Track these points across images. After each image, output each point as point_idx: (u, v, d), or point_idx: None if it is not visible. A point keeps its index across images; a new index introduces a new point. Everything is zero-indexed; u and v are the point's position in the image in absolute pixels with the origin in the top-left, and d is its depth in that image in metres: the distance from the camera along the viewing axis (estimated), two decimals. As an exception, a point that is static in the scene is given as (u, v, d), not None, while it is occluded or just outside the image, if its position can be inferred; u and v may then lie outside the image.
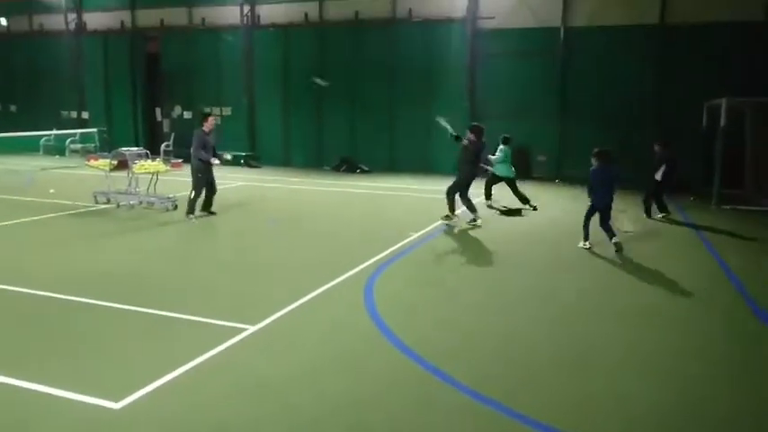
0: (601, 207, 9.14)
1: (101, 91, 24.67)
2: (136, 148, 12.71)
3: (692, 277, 7.78)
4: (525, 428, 4.00)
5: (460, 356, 5.17)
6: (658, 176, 11.88)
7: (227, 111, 22.71)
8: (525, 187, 13.84)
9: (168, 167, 12.15)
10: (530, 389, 4.59)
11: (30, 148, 23.25)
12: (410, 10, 19.89)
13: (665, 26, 17.17)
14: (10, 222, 10.41)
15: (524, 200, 12.98)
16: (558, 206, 13.63)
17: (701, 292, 7.18)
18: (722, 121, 13.90)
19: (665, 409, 4.30)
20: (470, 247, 9.47)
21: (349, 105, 20.93)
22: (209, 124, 11.07)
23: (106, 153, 13.40)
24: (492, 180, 13.45)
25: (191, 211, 10.99)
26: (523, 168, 18.66)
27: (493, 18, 18.89)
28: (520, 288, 7.32)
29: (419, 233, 10.15)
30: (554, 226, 11.14)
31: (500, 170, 13.19)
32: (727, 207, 13.60)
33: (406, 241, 9.48)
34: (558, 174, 18.42)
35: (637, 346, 5.50)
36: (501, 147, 13.23)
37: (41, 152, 23.62)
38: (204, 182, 11.04)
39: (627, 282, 7.72)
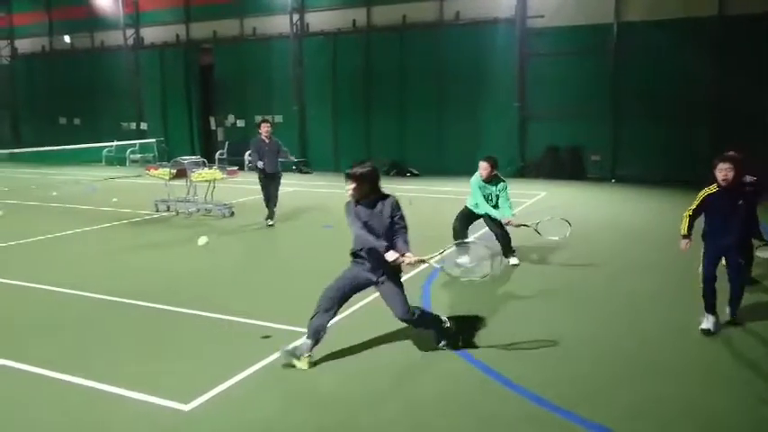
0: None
1: (158, 102, 25.56)
2: (193, 157, 13.12)
3: None
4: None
5: (520, 360, 5.11)
6: None
7: (279, 118, 23.12)
8: (578, 188, 13.48)
9: (224, 175, 12.45)
10: (598, 396, 4.50)
11: (93, 159, 24.35)
12: (457, 12, 19.84)
13: (725, 17, 16.54)
14: (77, 230, 10.89)
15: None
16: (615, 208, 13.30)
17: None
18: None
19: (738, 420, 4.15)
20: (525, 251, 9.33)
21: (397, 109, 21.01)
22: (262, 131, 11.33)
23: (166, 162, 13.86)
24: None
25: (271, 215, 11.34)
26: (577, 169, 18.37)
27: (542, 17, 18.64)
28: (580, 292, 7.18)
29: (473, 236, 10.08)
30: (610, 227, 10.89)
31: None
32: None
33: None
34: (613, 174, 17.99)
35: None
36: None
37: (103, 163, 24.64)
38: (264, 187, 11.29)
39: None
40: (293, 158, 11.56)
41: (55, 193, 16.05)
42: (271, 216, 11.39)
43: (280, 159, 11.51)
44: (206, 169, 12.46)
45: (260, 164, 11.17)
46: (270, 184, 11.33)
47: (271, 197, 11.37)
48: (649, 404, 4.34)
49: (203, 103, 25.00)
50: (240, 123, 24.03)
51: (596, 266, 8.27)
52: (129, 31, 25.66)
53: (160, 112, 25.58)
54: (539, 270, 8.15)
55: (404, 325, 5.99)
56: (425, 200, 14.78)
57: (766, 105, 15.16)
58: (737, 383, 4.67)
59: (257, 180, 11.47)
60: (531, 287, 7.35)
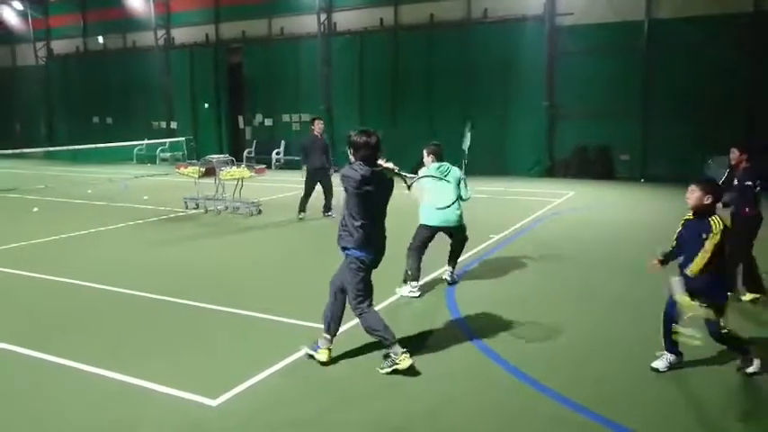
0: None
1: (187, 102, 25.96)
2: (222, 156, 13.29)
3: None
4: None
5: (546, 360, 5.08)
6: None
7: (306, 117, 23.27)
8: (607, 188, 13.19)
9: (252, 173, 12.59)
10: (617, 395, 4.46)
11: (124, 157, 24.84)
12: (485, 10, 19.72)
13: (760, 13, 16.14)
14: (110, 227, 11.12)
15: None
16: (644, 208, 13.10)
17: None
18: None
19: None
20: (553, 250, 9.25)
21: (425, 109, 20.96)
22: (315, 128, 11.69)
23: (195, 161, 14.06)
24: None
25: (300, 209, 11.64)
26: (606, 169, 18.12)
27: (571, 14, 18.45)
28: (609, 293, 7.10)
29: (500, 235, 10.05)
30: (639, 227, 10.72)
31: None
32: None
33: (486, 244, 9.40)
34: (642, 173, 17.70)
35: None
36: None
37: (134, 161, 25.12)
38: (310, 184, 11.58)
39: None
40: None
41: (89, 191, 16.42)
42: (329, 207, 11.81)
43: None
44: (234, 168, 12.60)
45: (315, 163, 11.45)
46: (317, 175, 11.57)
47: (326, 186, 11.66)
48: (674, 407, 4.27)
49: (232, 102, 25.30)
50: (268, 122, 24.27)
51: (621, 267, 8.15)
52: (161, 32, 26.10)
53: (190, 111, 25.96)
54: (565, 269, 8.06)
55: (432, 322, 6.01)
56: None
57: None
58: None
59: (302, 178, 11.81)
60: (559, 285, 7.29)
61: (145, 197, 14.89)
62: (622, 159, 18.18)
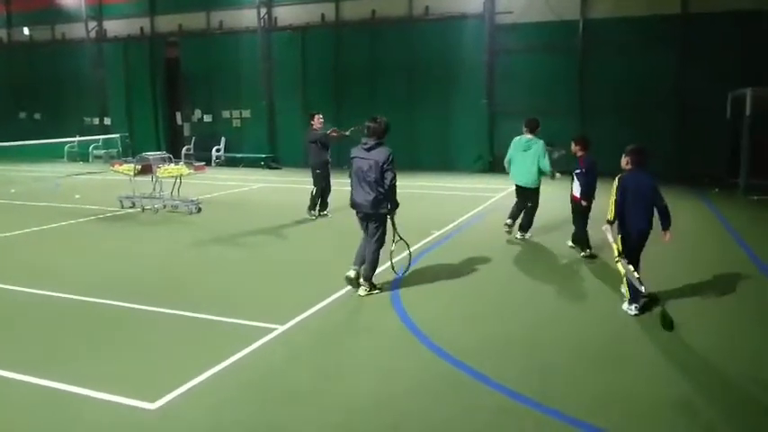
0: (635, 236, 6.03)
1: (122, 97, 25.02)
2: (159, 153, 12.87)
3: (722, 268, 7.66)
4: (559, 423, 3.96)
5: (488, 353, 5.14)
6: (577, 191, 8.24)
7: (247, 113, 22.88)
8: (545, 184, 13.38)
9: (191, 171, 12.24)
10: (559, 384, 4.55)
11: (55, 155, 23.68)
12: (426, 7, 19.85)
13: (688, 15, 16.92)
14: (38, 228, 10.58)
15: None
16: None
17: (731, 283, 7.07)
18: (747, 111, 13.68)
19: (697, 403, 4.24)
20: (492, 245, 9.38)
21: (367, 105, 20.89)
22: (316, 123, 11.33)
23: (131, 158, 13.56)
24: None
25: (311, 207, 11.46)
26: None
27: (510, 12, 18.79)
28: (543, 285, 7.25)
29: (441, 231, 10.13)
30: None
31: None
32: (755, 197, 13.38)
33: (428, 239, 9.46)
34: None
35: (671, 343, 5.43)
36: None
37: (66, 159, 24.02)
38: (322, 179, 11.34)
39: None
40: (346, 133, 11.39)
41: (13, 191, 15.59)
42: (325, 205, 11.60)
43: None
44: (172, 165, 12.22)
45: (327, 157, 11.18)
46: (328, 169, 11.37)
47: (328, 188, 11.48)
48: (620, 395, 4.40)
49: (169, 97, 24.54)
50: (207, 118, 23.68)
51: (561, 256, 8.36)
52: (92, 24, 25.02)
53: (124, 106, 25.03)
54: (505, 262, 8.20)
55: (376, 317, 5.98)
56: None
57: (725, 101, 15.54)
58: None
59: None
60: (502, 278, 7.42)
61: (77, 196, 14.25)
62: (558, 156, 18.61)
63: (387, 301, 6.53)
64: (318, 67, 21.46)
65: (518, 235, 9.41)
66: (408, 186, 16.17)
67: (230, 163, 22.45)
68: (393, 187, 6.56)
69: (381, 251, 6.77)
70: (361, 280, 6.66)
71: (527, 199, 9.30)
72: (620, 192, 5.98)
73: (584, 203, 8.15)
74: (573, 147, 8.31)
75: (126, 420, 4.02)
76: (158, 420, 4.03)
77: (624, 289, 6.14)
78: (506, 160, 9.53)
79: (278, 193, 15.44)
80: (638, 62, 17.33)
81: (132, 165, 12.33)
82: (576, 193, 8.22)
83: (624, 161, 6.21)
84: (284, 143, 22.46)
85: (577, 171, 8.18)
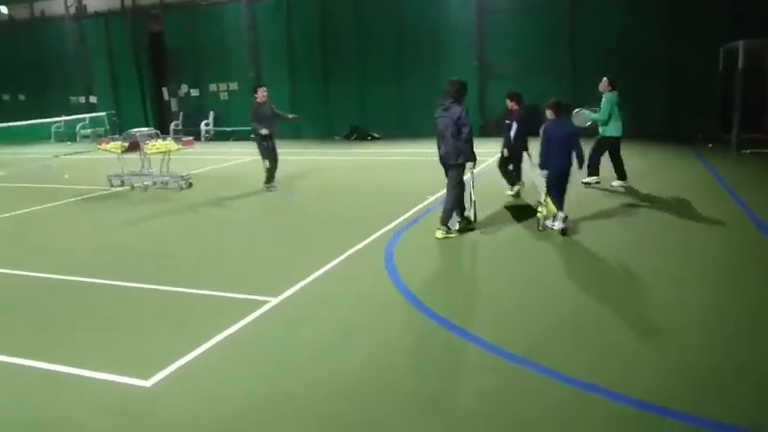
0: (557, 174, 7.35)
1: (107, 74, 24.59)
2: (146, 129, 12.68)
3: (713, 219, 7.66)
4: (551, 381, 3.96)
5: (482, 316, 5.13)
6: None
7: (234, 86, 22.56)
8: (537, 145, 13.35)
9: (180, 146, 12.08)
10: (552, 345, 4.55)
11: (41, 136, 23.41)
12: (413, -31, 19.45)
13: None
14: (27, 210, 10.47)
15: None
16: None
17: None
18: (740, 64, 13.53)
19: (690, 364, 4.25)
20: (486, 209, 9.33)
21: (357, 72, 20.67)
22: (259, 96, 11.33)
23: (117, 136, 13.37)
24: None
25: (268, 180, 11.42)
26: (536, 127, 18.39)
27: (498, -29, 18.42)
28: (537, 246, 7.24)
29: (435, 196, 10.07)
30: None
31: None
32: (748, 151, 13.34)
33: (423, 204, 9.41)
34: (572, 129, 18.12)
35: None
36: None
37: (53, 139, 23.72)
38: (266, 150, 11.27)
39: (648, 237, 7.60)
40: (290, 117, 12.79)
41: (2, 173, 15.41)
42: (271, 179, 11.45)
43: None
44: (160, 141, 12.05)
45: (263, 130, 11.09)
46: (269, 141, 11.30)
47: (276, 160, 11.45)
48: (619, 354, 4.41)
49: (155, 73, 24.13)
50: (194, 93, 23.36)
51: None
52: (71, 0, 24.44)
53: (110, 83, 24.62)
54: (503, 225, 8.17)
55: (371, 285, 5.95)
56: (388, 163, 14.68)
57: (713, 63, 15.36)
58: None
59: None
60: (499, 243, 7.40)
61: (66, 176, 14.10)
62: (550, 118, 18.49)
63: (380, 266, 6.50)
64: (305, 37, 21.08)
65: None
66: (402, 153, 16.10)
67: (220, 137, 22.21)
68: (469, 141, 7.26)
69: (457, 199, 7.53)
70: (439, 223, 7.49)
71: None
72: (546, 139, 7.30)
73: (505, 153, 9.49)
74: (508, 102, 9.36)
75: (122, 398, 4.00)
76: (154, 396, 4.01)
77: (542, 215, 7.53)
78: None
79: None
80: (627, 19, 17.07)
81: (119, 142, 12.16)
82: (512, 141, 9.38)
83: (548, 113, 7.43)
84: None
85: (507, 122, 9.38)
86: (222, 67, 22.48)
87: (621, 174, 10.33)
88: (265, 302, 5.53)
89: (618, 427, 3.49)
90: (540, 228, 7.58)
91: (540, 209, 7.64)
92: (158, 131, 12.78)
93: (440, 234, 7.44)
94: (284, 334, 4.93)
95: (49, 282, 6.50)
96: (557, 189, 7.42)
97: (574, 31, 17.86)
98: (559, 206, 7.43)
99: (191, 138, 13.96)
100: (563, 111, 7.49)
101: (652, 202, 9.19)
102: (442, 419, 3.61)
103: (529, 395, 3.83)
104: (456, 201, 7.54)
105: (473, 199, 7.88)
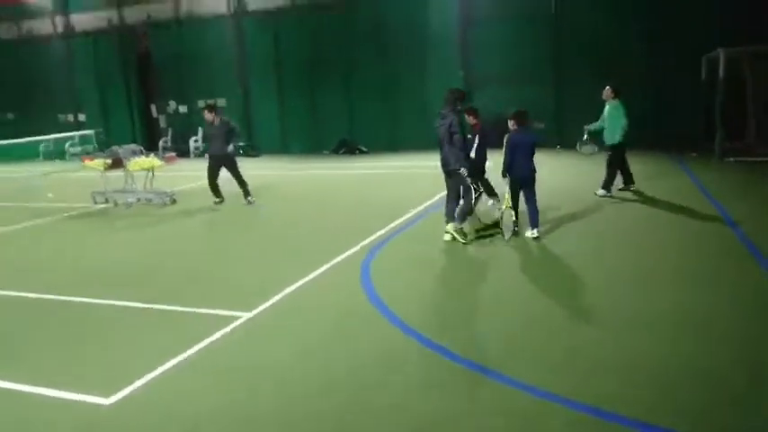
0: (520, 180, 7.70)
1: (95, 92, 24.57)
2: (130, 146, 12.64)
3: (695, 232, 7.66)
4: (519, 393, 3.92)
5: (455, 328, 5.09)
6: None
7: (222, 102, 22.54)
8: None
9: (162, 162, 12.05)
10: (522, 356, 4.51)
11: (30, 154, 23.26)
12: (396, -18, 19.56)
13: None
14: (6, 228, 10.40)
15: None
16: (562, 173, 13.43)
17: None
18: (721, 73, 13.62)
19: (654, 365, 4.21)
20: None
21: (344, 86, 20.71)
22: (206, 117, 11.51)
23: (100, 152, 13.32)
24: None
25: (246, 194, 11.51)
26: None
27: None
28: (515, 260, 7.21)
29: (418, 209, 10.05)
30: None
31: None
32: (731, 159, 13.38)
33: (405, 218, 9.38)
34: (559, 140, 18.15)
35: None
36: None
37: (42, 158, 23.64)
38: (210, 170, 11.39)
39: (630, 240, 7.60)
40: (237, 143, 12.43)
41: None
42: (247, 193, 11.52)
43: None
44: (143, 157, 12.01)
45: (229, 148, 11.23)
46: (217, 166, 11.34)
47: (234, 172, 11.44)
48: (580, 359, 4.37)
49: (143, 90, 24.13)
50: (183, 109, 23.35)
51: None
52: (59, 19, 24.50)
53: (98, 101, 24.60)
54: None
55: (345, 298, 5.90)
56: (374, 176, 14.67)
57: (698, 71, 15.45)
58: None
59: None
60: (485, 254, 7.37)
61: (49, 195, 14.01)
62: (538, 127, 18.51)
63: (356, 280, 6.45)
64: (292, 51, 21.13)
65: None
66: (388, 167, 16.09)
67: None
68: (461, 148, 7.43)
69: (465, 205, 7.70)
70: (448, 227, 7.75)
71: None
72: (510, 147, 7.58)
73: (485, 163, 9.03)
74: (468, 118, 8.95)
75: (80, 417, 3.93)
76: (113, 415, 3.94)
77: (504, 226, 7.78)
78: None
79: (253, 180, 15.25)
80: (611, 27, 17.10)
81: (102, 159, 12.11)
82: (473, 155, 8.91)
83: (511, 123, 7.68)
84: (261, 130, 22.22)
85: (469, 136, 8.94)
86: (210, 84, 22.48)
87: (609, 184, 10.26)
88: (237, 318, 5.48)
89: (580, 437, 3.45)
90: (506, 238, 7.71)
91: (500, 223, 7.93)
92: (142, 148, 12.73)
93: (447, 237, 7.74)
94: (252, 349, 4.87)
95: (16, 300, 6.42)
96: (519, 195, 7.80)
97: (558, 39, 17.94)
98: (532, 216, 7.73)
99: (173, 154, 13.92)
100: (525, 120, 7.74)
101: (633, 209, 9.20)
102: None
103: (487, 404, 3.79)
104: (459, 208, 7.72)
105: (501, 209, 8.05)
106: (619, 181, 10.42)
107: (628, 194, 10.27)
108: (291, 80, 21.40)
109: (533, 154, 7.67)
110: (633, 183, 10.53)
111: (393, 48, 19.71)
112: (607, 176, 10.28)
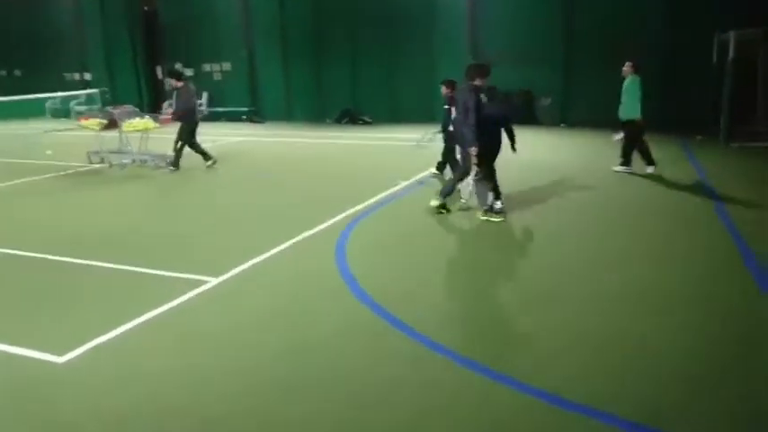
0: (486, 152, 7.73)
1: (101, 52, 24.44)
2: (126, 106, 12.61)
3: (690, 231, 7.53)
4: (470, 373, 3.90)
5: (418, 304, 5.06)
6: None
7: (227, 66, 22.40)
8: (527, 133, 13.14)
9: (157, 124, 12.00)
10: (485, 338, 4.48)
11: (36, 111, 23.32)
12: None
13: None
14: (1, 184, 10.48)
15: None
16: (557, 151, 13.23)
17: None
18: (731, 54, 13.26)
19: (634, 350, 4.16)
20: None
21: (349, 56, 20.42)
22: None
23: (96, 112, 13.30)
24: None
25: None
26: (528, 114, 18.18)
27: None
28: (496, 235, 7.14)
29: (409, 181, 9.97)
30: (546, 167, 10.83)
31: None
32: (736, 144, 13.11)
33: (392, 190, 9.31)
34: (563, 118, 17.87)
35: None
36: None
37: (47, 115, 23.68)
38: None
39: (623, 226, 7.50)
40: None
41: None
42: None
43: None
44: (137, 119, 11.98)
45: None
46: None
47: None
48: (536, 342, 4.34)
49: (149, 50, 23.97)
50: (188, 72, 23.12)
51: (524, 206, 8.23)
52: (67, -25, 24.30)
53: (104, 61, 24.48)
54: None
55: (315, 268, 5.87)
56: (371, 147, 14.56)
57: (710, 53, 15.05)
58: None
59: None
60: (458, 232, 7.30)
61: (48, 152, 14.06)
62: (543, 105, 18.24)
63: (331, 250, 6.43)
64: (298, 15, 20.80)
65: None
66: (385, 138, 15.95)
67: (213, 118, 22.09)
68: (463, 124, 7.24)
69: (460, 180, 7.81)
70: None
71: None
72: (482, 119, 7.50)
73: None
74: (443, 89, 9.37)
75: (29, 373, 3.96)
76: (63, 374, 3.97)
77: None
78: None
79: (253, 146, 15.21)
80: (624, 5, 16.68)
81: (97, 119, 12.10)
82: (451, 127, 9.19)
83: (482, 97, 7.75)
84: (266, 96, 22.05)
85: (446, 107, 9.21)
86: (216, 48, 22.29)
87: (627, 159, 10.26)
88: (204, 282, 5.48)
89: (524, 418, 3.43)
90: (463, 201, 7.98)
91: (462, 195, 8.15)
92: (137, 109, 12.68)
93: (433, 202, 7.75)
94: (211, 315, 4.87)
95: (-4, 256, 6.48)
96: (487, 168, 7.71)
97: (569, 12, 17.50)
98: (492, 186, 7.67)
99: (168, 116, 13.83)
100: (496, 95, 8.23)
101: (622, 191, 9.07)
102: (353, 402, 3.56)
103: (439, 384, 3.77)
104: (454, 181, 7.83)
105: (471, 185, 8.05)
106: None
107: (633, 175, 10.05)
108: (297, 46, 21.10)
109: (500, 129, 7.73)
110: (654, 164, 10.15)
111: (399, 19, 19.32)
112: (625, 150, 10.25)
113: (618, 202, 8.53)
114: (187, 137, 11.43)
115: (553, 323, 4.60)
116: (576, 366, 3.94)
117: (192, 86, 12.00)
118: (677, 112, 16.22)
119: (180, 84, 11.53)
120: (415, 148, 13.51)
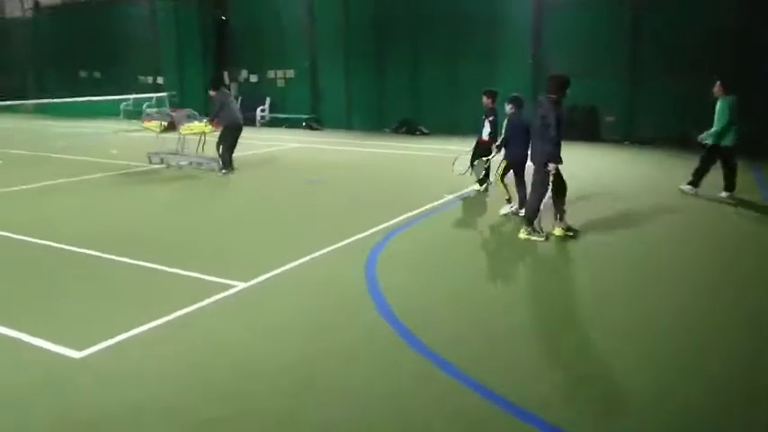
0: (513, 161, 8.21)
1: (173, 56, 25.46)
2: (185, 110, 13.03)
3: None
4: (477, 396, 3.72)
5: (439, 322, 4.91)
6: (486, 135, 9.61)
7: (291, 73, 22.83)
8: (592, 151, 12.66)
9: (213, 129, 12.32)
10: (495, 359, 4.28)
11: (112, 112, 24.58)
12: (472, -42, 18.94)
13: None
14: (65, 180, 10.99)
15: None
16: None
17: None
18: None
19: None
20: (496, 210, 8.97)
21: (410, 66, 20.40)
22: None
23: (156, 114, 13.81)
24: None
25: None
26: (591, 130, 17.60)
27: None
28: (545, 261, 6.88)
29: (453, 195, 9.80)
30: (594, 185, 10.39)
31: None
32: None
33: (435, 203, 9.16)
34: (627, 135, 17.19)
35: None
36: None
37: (121, 116, 24.86)
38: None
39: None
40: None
41: (63, 144, 16.28)
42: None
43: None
44: (195, 122, 12.34)
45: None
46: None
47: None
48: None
49: (219, 57, 24.76)
50: (253, 78, 23.81)
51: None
52: (146, -17, 25.50)
53: (176, 66, 25.49)
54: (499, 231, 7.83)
55: (343, 279, 5.82)
56: (423, 158, 14.44)
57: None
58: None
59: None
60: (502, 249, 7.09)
61: (113, 151, 14.70)
62: (607, 121, 17.62)
63: (362, 260, 6.35)
64: (362, 24, 20.96)
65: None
66: (439, 150, 15.78)
67: (274, 123, 22.59)
68: (552, 141, 6.82)
69: (539, 200, 7.08)
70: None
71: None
72: (510, 128, 8.23)
73: (493, 144, 8.98)
74: (485, 99, 9.73)
75: (46, 367, 4.07)
76: (77, 368, 4.05)
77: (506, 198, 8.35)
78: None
79: (308, 153, 15.39)
80: (698, 19, 15.83)
81: (158, 121, 12.55)
82: (485, 136, 9.56)
83: (509, 107, 8.35)
84: (326, 104, 22.32)
85: (490, 119, 9.56)
86: (281, 55, 22.76)
87: (731, 184, 9.47)
88: (232, 286, 5.52)
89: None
90: (524, 234, 7.18)
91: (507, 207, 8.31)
92: (196, 113, 13.08)
93: (522, 234, 7.13)
94: (229, 319, 4.88)
95: (34, 247, 6.78)
96: (517, 177, 8.22)
97: (637, 25, 16.81)
98: (521, 196, 8.05)
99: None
100: (522, 104, 8.38)
101: (686, 216, 8.57)
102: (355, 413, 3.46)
103: (440, 400, 3.61)
104: (534, 202, 7.11)
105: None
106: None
107: (701, 199, 9.50)
108: (358, 57, 21.24)
109: (529, 139, 7.60)
110: (732, 189, 9.41)
111: (462, 32, 19.14)
112: (727, 176, 9.49)
113: (670, 228, 8.06)
114: (228, 140, 11.74)
115: (575, 351, 4.35)
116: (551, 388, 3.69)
117: (227, 93, 12.38)
118: (750, 131, 15.24)
119: (213, 93, 11.98)
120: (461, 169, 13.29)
